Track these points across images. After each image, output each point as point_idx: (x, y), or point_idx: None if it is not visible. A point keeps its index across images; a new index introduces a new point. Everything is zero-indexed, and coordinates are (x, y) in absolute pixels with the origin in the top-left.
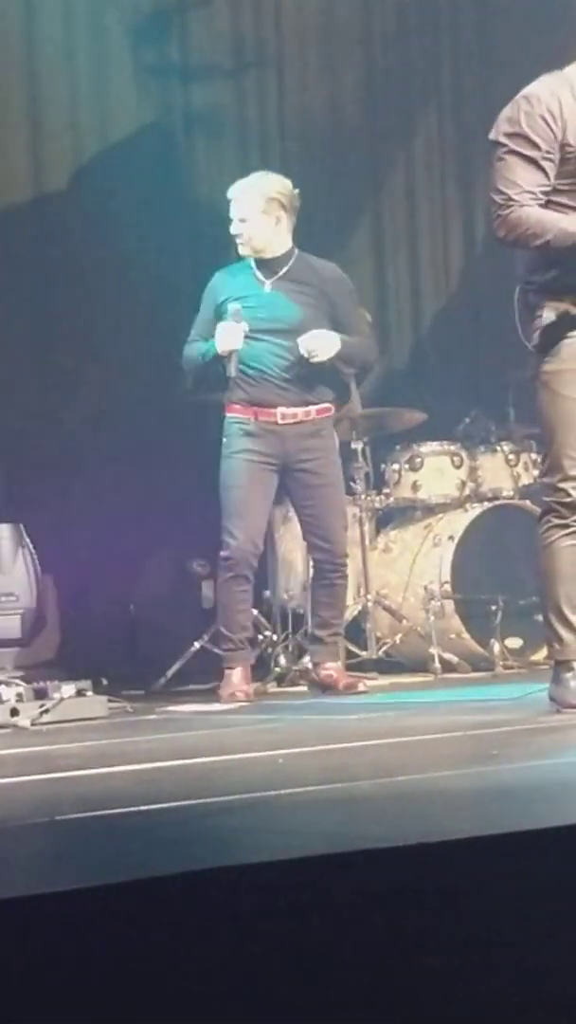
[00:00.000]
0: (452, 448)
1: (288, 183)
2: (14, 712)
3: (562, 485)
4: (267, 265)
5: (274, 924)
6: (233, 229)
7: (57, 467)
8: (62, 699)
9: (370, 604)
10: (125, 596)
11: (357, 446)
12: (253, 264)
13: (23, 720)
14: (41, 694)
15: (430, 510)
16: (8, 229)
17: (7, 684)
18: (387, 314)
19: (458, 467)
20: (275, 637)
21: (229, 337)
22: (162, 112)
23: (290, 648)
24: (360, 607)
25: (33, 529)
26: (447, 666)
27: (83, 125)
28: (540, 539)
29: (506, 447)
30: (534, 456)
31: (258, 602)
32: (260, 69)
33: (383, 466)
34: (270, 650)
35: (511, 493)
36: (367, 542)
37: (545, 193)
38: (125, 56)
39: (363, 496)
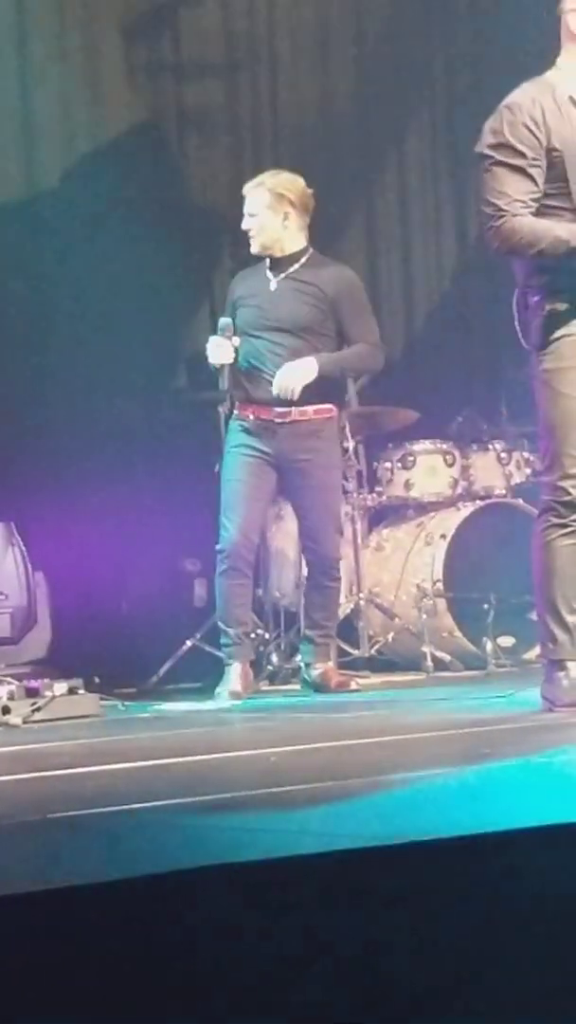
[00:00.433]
0: (444, 446)
1: (300, 181)
2: (6, 710)
3: (561, 483)
4: (278, 264)
5: (266, 922)
6: (244, 224)
7: (47, 465)
8: (54, 697)
9: (362, 602)
10: (117, 594)
11: (350, 444)
12: (267, 263)
13: (15, 718)
14: (33, 692)
15: (423, 508)
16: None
17: None
18: (380, 313)
19: (450, 465)
20: (267, 635)
21: (219, 352)
22: (154, 110)
23: (282, 647)
24: (352, 605)
25: (24, 527)
26: (439, 664)
27: (75, 122)
28: (537, 538)
29: (498, 446)
30: (526, 455)
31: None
32: (253, 67)
33: (376, 464)
34: (262, 648)
35: (503, 491)
36: (360, 540)
37: (536, 200)
38: (117, 54)
39: (356, 494)
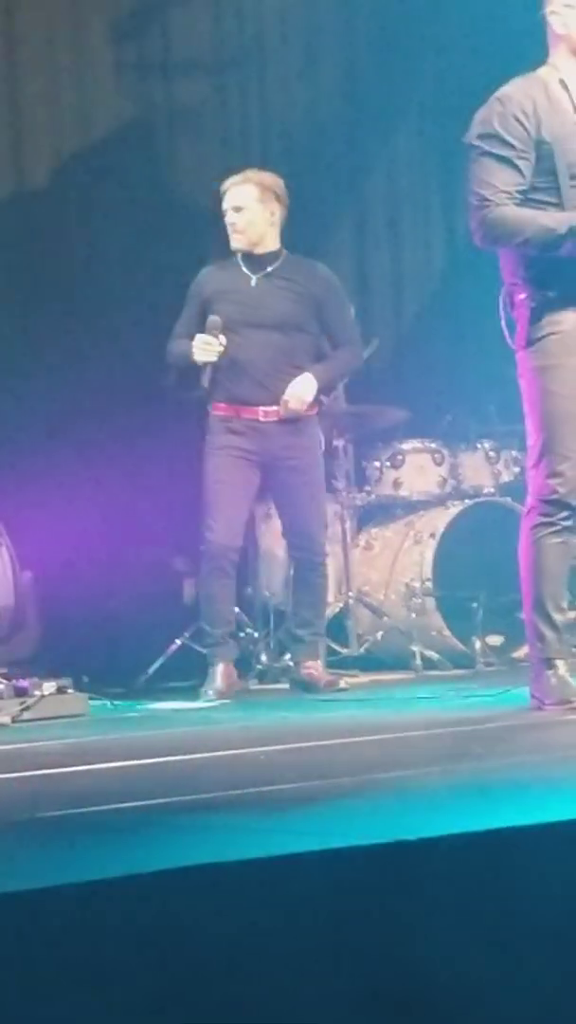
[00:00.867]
0: (433, 445)
1: (281, 181)
2: None
3: (549, 482)
4: (255, 261)
5: (256, 920)
6: (228, 219)
7: (36, 463)
8: (43, 696)
9: (351, 601)
10: (106, 593)
11: (339, 443)
12: (240, 260)
13: (3, 717)
14: (22, 691)
15: (411, 507)
16: None
17: None
18: (368, 312)
19: (439, 464)
20: (256, 634)
21: (205, 350)
22: (143, 109)
23: (271, 645)
24: (341, 604)
25: (11, 525)
26: (428, 663)
27: (64, 122)
28: (525, 536)
29: (487, 444)
30: (515, 453)
31: (240, 599)
32: (242, 66)
33: (364, 463)
34: (251, 647)
35: (492, 490)
36: (348, 539)
37: (522, 192)
38: (106, 53)
39: (344, 493)
